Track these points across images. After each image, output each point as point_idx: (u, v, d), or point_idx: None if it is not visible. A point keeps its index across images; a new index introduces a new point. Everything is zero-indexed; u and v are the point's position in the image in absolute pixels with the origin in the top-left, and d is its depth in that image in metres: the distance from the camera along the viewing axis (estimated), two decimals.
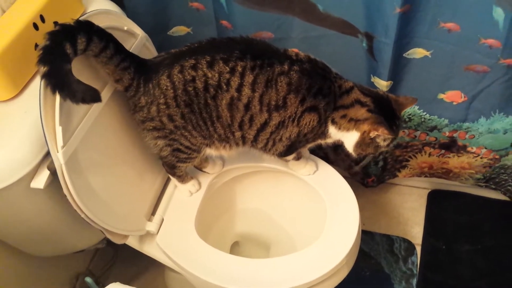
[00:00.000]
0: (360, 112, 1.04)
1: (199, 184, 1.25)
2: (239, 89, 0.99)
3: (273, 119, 1.03)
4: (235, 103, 1.01)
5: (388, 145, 1.09)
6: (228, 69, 0.98)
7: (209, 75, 0.98)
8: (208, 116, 1.03)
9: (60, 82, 0.86)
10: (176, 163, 1.16)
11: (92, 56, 0.95)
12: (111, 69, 0.98)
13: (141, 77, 1.00)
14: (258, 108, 1.01)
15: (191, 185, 1.23)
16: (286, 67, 1.00)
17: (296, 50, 1.06)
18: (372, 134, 1.04)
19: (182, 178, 1.22)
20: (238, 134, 1.07)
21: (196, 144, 1.09)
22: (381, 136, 1.05)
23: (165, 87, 0.99)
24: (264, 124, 1.04)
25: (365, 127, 1.04)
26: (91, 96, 0.91)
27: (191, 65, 0.98)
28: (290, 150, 1.12)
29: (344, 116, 1.05)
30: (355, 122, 1.05)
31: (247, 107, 1.01)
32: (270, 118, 1.03)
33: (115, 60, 0.97)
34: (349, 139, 1.08)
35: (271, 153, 1.12)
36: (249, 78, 0.99)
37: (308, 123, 1.04)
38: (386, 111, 1.06)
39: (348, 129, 1.06)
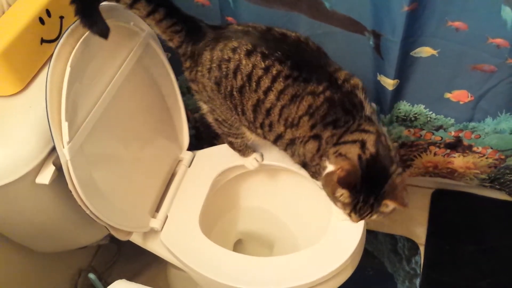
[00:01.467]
0: (351, 150, 0.94)
1: (262, 157, 1.26)
2: (266, 92, 0.98)
3: (287, 135, 1.02)
4: (259, 106, 1.00)
5: (344, 207, 0.97)
6: (263, 65, 0.97)
7: (243, 62, 0.98)
8: (233, 106, 1.04)
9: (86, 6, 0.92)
10: (227, 138, 1.19)
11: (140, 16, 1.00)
12: (161, 30, 1.02)
13: (190, 42, 1.03)
14: (277, 119, 1.00)
15: (252, 158, 1.25)
16: (319, 88, 0.96)
17: (346, 73, 1.00)
18: (334, 178, 0.92)
19: (243, 152, 1.24)
20: (260, 131, 1.07)
21: (230, 119, 1.10)
22: (340, 193, 0.94)
23: (205, 58, 1.02)
24: (279, 136, 1.03)
25: (339, 164, 0.93)
26: (102, 31, 0.93)
27: (232, 47, 0.99)
28: (306, 168, 1.08)
29: (336, 151, 0.96)
30: (340, 156, 0.95)
31: (268, 112, 1.00)
32: (284, 132, 1.01)
33: (164, 23, 1.00)
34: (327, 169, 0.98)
35: (293, 161, 1.10)
36: (279, 85, 0.97)
37: (310, 150, 1.01)
38: (376, 174, 0.93)
39: (335, 163, 0.96)
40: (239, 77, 0.99)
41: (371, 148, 0.93)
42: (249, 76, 0.98)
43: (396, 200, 0.92)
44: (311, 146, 1.00)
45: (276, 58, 0.97)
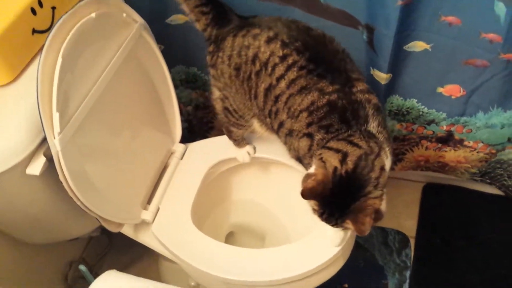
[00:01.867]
0: (331, 160, 0.91)
1: (254, 150, 1.27)
2: (278, 79, 0.98)
3: (286, 124, 1.01)
4: (270, 91, 1.00)
5: (313, 212, 0.96)
6: (281, 53, 0.97)
7: (262, 49, 0.99)
8: (248, 89, 1.04)
9: None
10: (230, 127, 1.19)
11: None
12: (189, 8, 1.06)
13: (215, 26, 1.06)
14: (282, 106, 1.00)
15: (245, 151, 1.26)
16: (329, 88, 0.95)
17: (367, 87, 0.98)
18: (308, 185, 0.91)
19: (238, 143, 1.25)
20: (268, 120, 1.07)
21: (242, 110, 1.10)
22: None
23: (227, 44, 1.04)
24: (281, 124, 1.03)
25: (311, 180, 0.91)
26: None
27: (254, 34, 1.00)
28: (300, 162, 1.08)
29: (320, 154, 0.94)
30: (321, 161, 0.93)
31: (276, 99, 1.00)
32: (285, 121, 1.01)
33: (193, 1, 1.04)
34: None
35: (289, 155, 1.09)
36: (291, 74, 0.97)
37: (303, 147, 1.00)
38: (346, 192, 0.90)
39: (315, 165, 0.95)
40: (257, 63, 1.00)
41: (350, 163, 0.89)
42: (266, 62, 0.99)
43: (355, 223, 0.90)
44: (304, 143, 1.00)
45: (295, 48, 0.97)
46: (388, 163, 0.98)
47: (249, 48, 1.01)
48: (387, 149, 0.97)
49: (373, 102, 0.97)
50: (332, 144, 0.93)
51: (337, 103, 0.95)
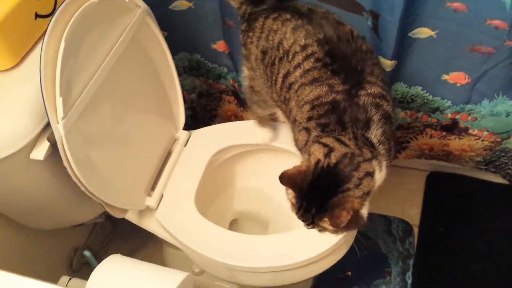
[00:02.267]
0: (316, 153, 0.91)
1: (272, 132, 1.27)
2: (295, 67, 0.97)
3: (293, 111, 1.00)
4: (287, 77, 1.00)
5: (292, 208, 0.95)
6: (302, 42, 0.97)
7: (287, 36, 0.99)
8: (270, 75, 1.04)
9: None
10: (251, 104, 1.20)
11: None
12: None
13: (250, 5, 1.07)
14: (293, 94, 0.99)
15: (263, 131, 1.26)
16: (340, 87, 0.92)
17: (381, 92, 0.94)
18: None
19: (261, 120, 1.25)
20: (283, 107, 1.06)
21: (263, 95, 1.11)
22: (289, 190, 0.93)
23: (257, 25, 1.04)
24: (290, 111, 1.02)
25: (293, 170, 0.91)
26: None
27: (284, 19, 1.00)
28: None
29: (309, 149, 0.95)
30: (309, 155, 0.93)
31: (290, 86, 0.99)
32: (292, 109, 1.00)
33: None
34: None
35: (294, 144, 1.08)
36: (307, 64, 0.96)
37: (301, 140, 0.99)
38: (326, 186, 0.89)
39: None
40: (281, 49, 1.00)
41: (333, 158, 0.88)
42: (288, 50, 0.99)
43: (331, 217, 0.87)
44: (302, 137, 0.99)
45: (317, 39, 0.96)
46: (379, 176, 0.93)
47: (276, 33, 1.00)
48: (383, 163, 0.93)
49: (384, 109, 0.93)
50: (323, 139, 0.92)
51: (340, 104, 0.92)
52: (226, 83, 1.54)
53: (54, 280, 1.00)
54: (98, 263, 0.79)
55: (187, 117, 1.34)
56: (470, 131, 1.40)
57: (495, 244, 1.52)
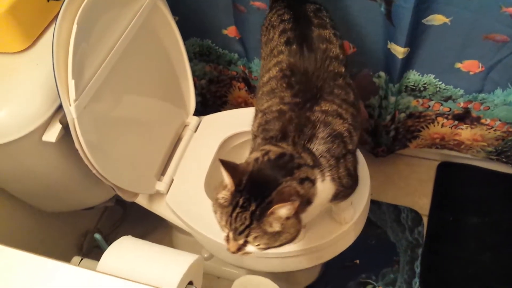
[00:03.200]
0: (252, 156, 0.85)
1: None
2: (268, 70, 1.00)
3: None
4: (261, 78, 1.03)
5: (221, 214, 0.82)
6: (280, 48, 0.99)
7: (275, 37, 1.02)
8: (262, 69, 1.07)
9: None
10: None
11: None
12: None
13: None
14: (259, 96, 1.01)
15: None
16: (289, 99, 0.91)
17: (331, 108, 0.90)
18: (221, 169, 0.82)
19: None
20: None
21: None
22: (223, 184, 0.83)
23: (270, 15, 1.09)
24: None
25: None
26: None
27: (283, 19, 1.04)
28: None
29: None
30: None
31: (261, 88, 1.00)
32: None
33: None
34: None
35: None
36: (273, 71, 0.97)
37: (251, 149, 0.97)
38: (265, 178, 0.80)
39: None
40: (269, 47, 1.03)
41: (271, 154, 0.83)
42: (272, 50, 1.02)
43: (282, 201, 0.75)
44: (252, 144, 0.97)
45: (289, 49, 0.97)
46: (321, 186, 0.85)
47: (274, 28, 1.04)
48: (327, 174, 0.86)
49: (333, 127, 0.88)
50: (262, 147, 0.87)
51: (286, 113, 0.90)
52: (237, 69, 1.54)
53: (66, 261, 1.01)
54: (108, 246, 0.80)
55: (197, 103, 1.34)
56: (482, 120, 1.39)
57: (504, 235, 1.51)
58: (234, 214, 0.79)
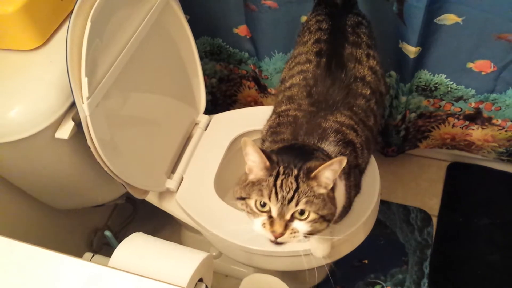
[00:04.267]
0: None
1: None
2: (291, 76, 1.01)
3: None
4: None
5: (261, 190, 0.77)
6: (309, 57, 1.00)
7: (309, 42, 1.03)
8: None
9: None
10: None
11: None
12: None
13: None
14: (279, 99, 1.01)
15: None
16: (306, 107, 0.92)
17: (346, 121, 0.90)
18: (245, 151, 0.78)
19: None
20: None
21: None
22: (253, 163, 0.78)
23: (309, 17, 1.12)
24: None
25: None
26: None
27: (319, 27, 1.05)
28: None
29: None
30: None
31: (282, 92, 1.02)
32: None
33: None
34: None
35: None
36: (297, 78, 0.98)
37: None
38: (297, 149, 0.82)
39: None
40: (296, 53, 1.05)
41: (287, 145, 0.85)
42: (299, 55, 1.03)
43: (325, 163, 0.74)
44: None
45: (317, 61, 0.98)
46: (340, 186, 0.84)
47: (310, 33, 1.05)
48: (341, 178, 0.85)
49: (345, 135, 0.88)
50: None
51: (299, 119, 0.90)
52: (247, 68, 1.54)
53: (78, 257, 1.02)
54: (118, 243, 0.80)
55: (207, 102, 1.35)
56: (494, 121, 1.38)
57: None
58: (279, 182, 0.75)
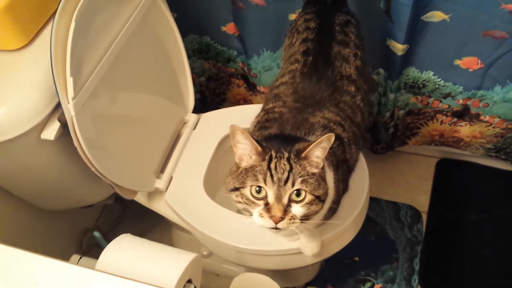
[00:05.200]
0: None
1: None
2: (282, 75, 1.02)
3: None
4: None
5: (255, 176, 0.77)
6: (297, 56, 1.01)
7: (297, 43, 1.04)
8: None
9: None
10: None
11: None
12: None
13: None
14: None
15: None
16: (291, 104, 0.93)
17: (333, 117, 0.91)
18: (235, 140, 0.79)
19: None
20: None
21: None
22: (243, 151, 0.79)
23: (297, 17, 1.12)
24: None
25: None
26: None
27: (307, 26, 1.05)
28: None
29: None
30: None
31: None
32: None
33: None
34: None
35: None
36: (286, 77, 1.00)
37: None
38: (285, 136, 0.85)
39: None
40: (288, 53, 1.07)
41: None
42: (291, 55, 1.04)
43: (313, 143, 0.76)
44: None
45: (305, 60, 0.99)
46: (328, 176, 0.85)
47: (298, 33, 1.05)
48: (329, 169, 0.86)
49: (334, 131, 0.88)
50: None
51: (284, 115, 0.92)
52: (236, 66, 1.54)
53: (65, 259, 1.01)
54: (108, 244, 0.80)
55: (196, 101, 1.34)
56: (482, 117, 1.39)
57: (503, 231, 1.51)
58: (272, 165, 0.76)
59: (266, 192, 0.77)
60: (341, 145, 0.91)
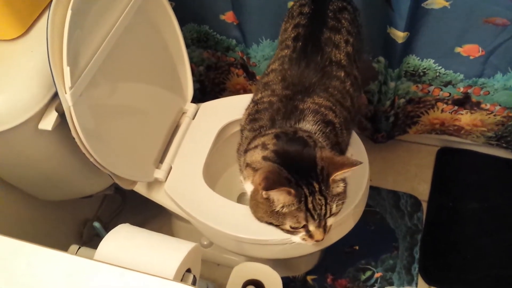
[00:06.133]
0: (254, 157, 0.84)
1: None
2: (273, 61, 1.02)
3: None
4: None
5: (297, 219, 0.80)
6: (288, 42, 1.00)
7: (289, 29, 1.04)
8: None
9: None
10: None
11: None
12: None
13: None
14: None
15: None
16: (280, 91, 0.92)
17: (324, 102, 0.91)
18: (264, 194, 0.79)
19: None
20: None
21: None
22: (276, 197, 0.79)
23: (293, 3, 1.11)
24: None
25: (256, 178, 0.79)
26: None
27: (301, 12, 1.04)
28: None
29: (245, 161, 0.88)
30: (249, 167, 0.85)
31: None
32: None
33: None
34: (249, 191, 0.88)
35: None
36: (275, 64, 0.99)
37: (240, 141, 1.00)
38: (297, 163, 0.80)
39: (247, 178, 0.87)
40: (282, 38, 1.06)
41: (271, 145, 0.83)
42: (282, 42, 1.04)
43: (343, 167, 0.78)
44: (238, 139, 0.99)
45: (294, 46, 0.97)
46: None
47: (292, 19, 1.05)
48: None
49: (325, 116, 0.89)
50: (251, 144, 0.88)
51: (274, 104, 0.91)
52: (235, 55, 1.53)
53: (64, 250, 1.02)
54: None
55: (195, 90, 1.33)
56: (482, 105, 1.38)
57: (504, 220, 1.51)
58: (310, 205, 0.79)
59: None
60: (333, 129, 0.92)
